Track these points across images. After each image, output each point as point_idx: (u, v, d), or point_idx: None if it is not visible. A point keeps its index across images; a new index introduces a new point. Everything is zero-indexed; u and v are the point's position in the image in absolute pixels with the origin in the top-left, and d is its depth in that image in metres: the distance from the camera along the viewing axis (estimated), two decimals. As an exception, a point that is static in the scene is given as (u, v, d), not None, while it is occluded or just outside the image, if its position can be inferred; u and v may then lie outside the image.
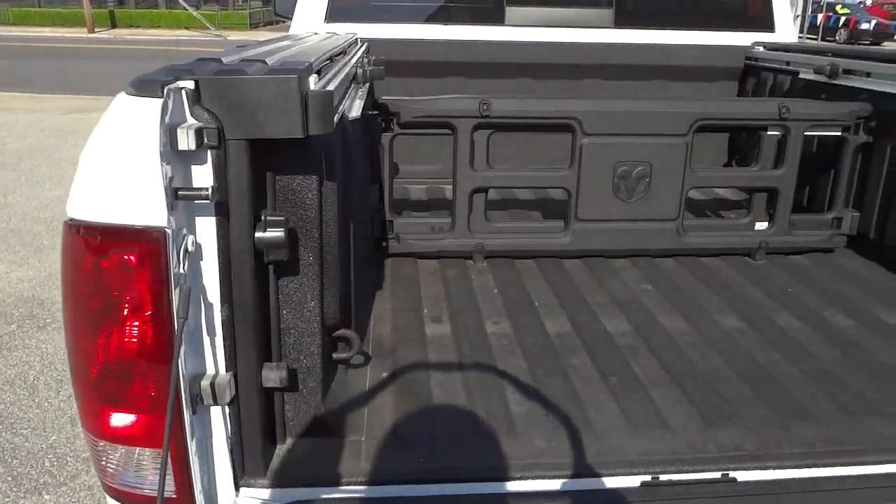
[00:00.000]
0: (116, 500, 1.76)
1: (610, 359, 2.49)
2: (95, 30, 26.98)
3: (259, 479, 1.86)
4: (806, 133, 3.36)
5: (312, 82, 1.78)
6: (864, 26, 33.45)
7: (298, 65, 1.72)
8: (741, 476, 1.95)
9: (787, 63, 4.19)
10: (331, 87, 1.82)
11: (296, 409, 2.01)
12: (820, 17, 33.23)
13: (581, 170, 3.23)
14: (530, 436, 2.06)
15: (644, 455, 1.99)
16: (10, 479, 3.76)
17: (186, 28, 27.66)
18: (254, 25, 31.72)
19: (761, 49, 4.52)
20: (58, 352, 5.04)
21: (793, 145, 3.34)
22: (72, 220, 1.52)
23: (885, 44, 33.78)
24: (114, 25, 28.60)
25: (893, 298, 3.05)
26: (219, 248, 1.67)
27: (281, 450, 1.98)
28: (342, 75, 2.32)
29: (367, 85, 3.10)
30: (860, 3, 52.61)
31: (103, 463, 1.70)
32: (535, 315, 2.83)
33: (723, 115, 3.31)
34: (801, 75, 4.02)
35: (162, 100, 1.44)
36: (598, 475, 1.94)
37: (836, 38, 33.64)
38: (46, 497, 3.65)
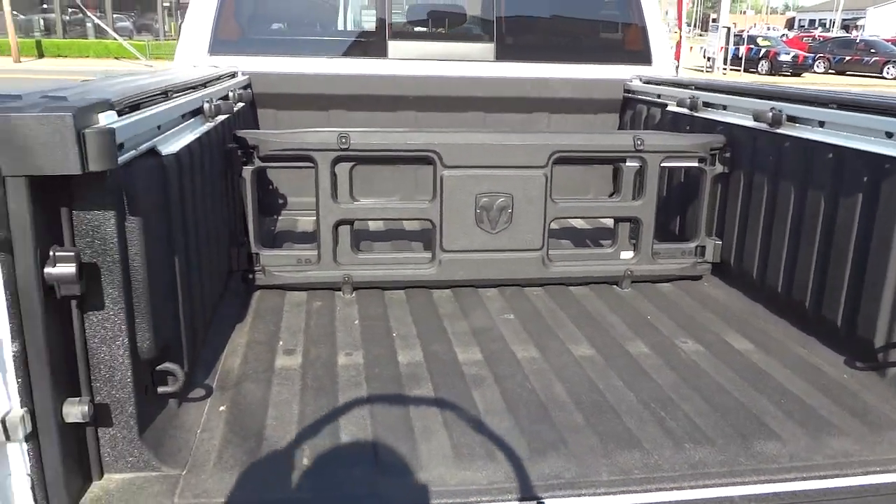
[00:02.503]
0: None
1: (452, 389, 2.50)
2: (21, 59, 26.35)
3: None
4: (663, 164, 3.47)
5: (103, 119, 1.77)
6: (784, 58, 34.93)
7: (83, 102, 1.71)
8: None
9: (659, 96, 4.34)
10: (114, 124, 1.82)
11: (111, 444, 1.97)
12: (742, 49, 34.66)
13: (443, 201, 3.27)
14: (354, 468, 2.05)
15: (462, 485, 2.00)
16: None
17: (116, 58, 27.15)
18: (186, 55, 31.06)
19: (638, 82, 4.68)
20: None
21: (650, 176, 3.44)
22: None
23: (805, 75, 35.35)
24: (41, 55, 27.94)
25: (745, 324, 3.15)
26: (5, 284, 1.64)
27: (96, 486, 1.93)
28: (168, 110, 2.31)
29: (225, 118, 3.10)
30: (782, 35, 55.08)
31: None
32: (389, 346, 2.83)
33: (580, 147, 3.40)
34: (668, 108, 4.16)
35: None
36: None
37: (759, 69, 35.04)
38: None
